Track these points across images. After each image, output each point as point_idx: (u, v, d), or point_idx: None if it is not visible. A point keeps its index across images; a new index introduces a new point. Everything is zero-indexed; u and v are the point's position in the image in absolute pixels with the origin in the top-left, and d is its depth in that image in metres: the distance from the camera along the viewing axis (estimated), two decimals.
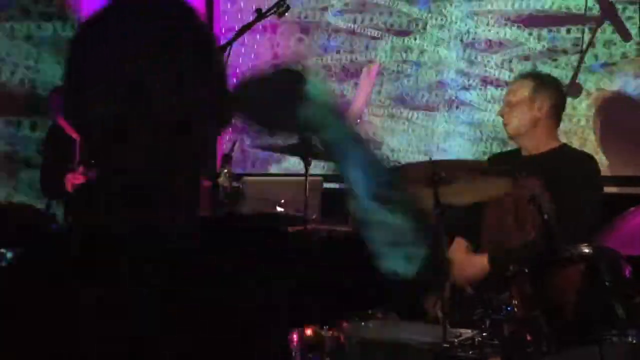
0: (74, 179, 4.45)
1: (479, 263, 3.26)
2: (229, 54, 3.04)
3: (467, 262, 3.30)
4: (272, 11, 3.21)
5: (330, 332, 3.20)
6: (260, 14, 3.20)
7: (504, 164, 3.50)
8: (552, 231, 2.64)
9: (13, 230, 4.91)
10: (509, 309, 2.75)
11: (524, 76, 3.65)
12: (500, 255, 3.15)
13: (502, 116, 3.55)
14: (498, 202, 3.41)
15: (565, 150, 3.51)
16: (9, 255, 4.75)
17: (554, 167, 3.32)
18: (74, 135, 4.64)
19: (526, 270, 2.72)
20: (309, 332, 3.20)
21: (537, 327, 2.61)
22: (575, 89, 4.66)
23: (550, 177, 3.22)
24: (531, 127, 3.45)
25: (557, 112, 3.50)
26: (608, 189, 3.77)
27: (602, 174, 3.64)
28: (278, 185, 4.18)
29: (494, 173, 3.24)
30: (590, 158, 3.47)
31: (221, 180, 3.45)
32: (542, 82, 3.51)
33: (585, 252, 2.68)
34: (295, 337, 3.71)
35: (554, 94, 3.49)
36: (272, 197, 3.89)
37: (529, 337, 2.69)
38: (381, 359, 2.89)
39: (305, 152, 3.06)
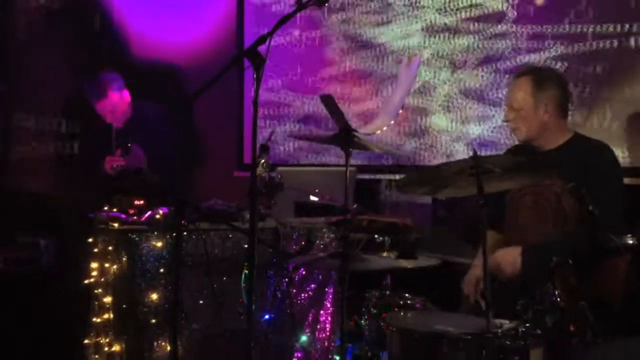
0: (114, 162, 4.53)
1: (512, 256, 3.25)
2: (269, 45, 3.03)
3: (501, 255, 3.30)
4: (312, 2, 3.20)
5: (370, 322, 3.21)
6: (300, 5, 3.19)
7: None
8: (597, 222, 2.63)
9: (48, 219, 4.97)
10: (552, 299, 2.74)
11: (521, 75, 3.47)
12: (533, 250, 3.15)
13: (508, 121, 3.48)
14: (518, 199, 3.41)
15: (579, 141, 3.42)
16: (43, 243, 4.84)
17: (572, 160, 3.28)
18: (109, 121, 4.71)
19: (570, 262, 2.72)
20: (348, 321, 3.22)
21: (582, 317, 2.62)
22: None
23: (570, 170, 3.19)
24: (541, 131, 3.39)
25: (563, 108, 3.40)
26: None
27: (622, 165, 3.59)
28: (312, 175, 4.18)
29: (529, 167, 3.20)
30: (607, 147, 3.38)
31: (259, 170, 3.46)
32: (541, 81, 3.38)
33: (630, 243, 2.68)
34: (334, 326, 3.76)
35: (557, 90, 3.38)
36: (307, 186, 3.90)
37: (572, 328, 2.69)
38: (421, 349, 2.88)
39: (346, 143, 3.05)
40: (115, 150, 4.57)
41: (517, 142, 3.60)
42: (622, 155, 4.33)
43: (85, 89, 4.79)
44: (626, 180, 3.41)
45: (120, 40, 5.67)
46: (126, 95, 4.77)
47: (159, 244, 3.72)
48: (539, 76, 3.42)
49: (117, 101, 4.72)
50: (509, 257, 3.27)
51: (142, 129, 4.68)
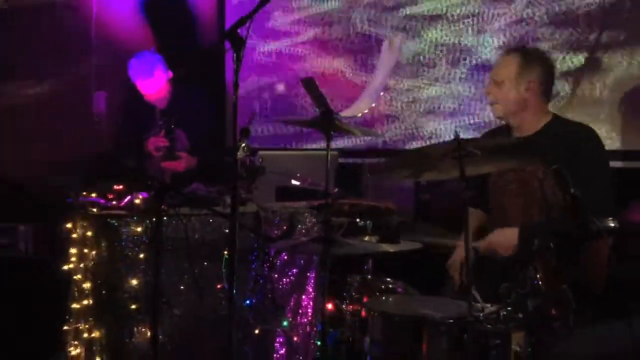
0: (159, 142, 4.53)
1: (510, 237, 3.22)
2: (250, 26, 2.99)
3: (496, 236, 3.28)
4: None
5: (351, 307, 3.20)
6: None
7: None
8: (580, 205, 2.61)
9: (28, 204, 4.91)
10: (534, 283, 2.73)
11: (510, 52, 3.47)
12: (529, 231, 3.14)
13: (488, 95, 3.46)
14: (503, 186, 3.40)
15: (558, 123, 3.40)
16: (22, 228, 4.78)
17: (553, 143, 3.24)
18: (152, 101, 4.67)
19: (552, 245, 2.71)
20: (330, 306, 3.20)
21: (564, 301, 2.61)
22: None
23: (552, 154, 3.17)
24: (519, 108, 3.36)
25: (545, 90, 3.38)
26: (615, 164, 3.72)
27: (613, 147, 3.59)
28: (293, 159, 4.15)
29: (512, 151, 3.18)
30: (588, 128, 3.37)
31: (239, 154, 3.42)
32: (529, 58, 3.36)
33: (612, 226, 2.67)
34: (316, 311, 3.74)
35: (542, 71, 3.36)
36: (288, 170, 3.87)
37: (554, 312, 2.69)
38: (403, 333, 2.87)
39: (327, 126, 3.02)
40: (160, 132, 4.54)
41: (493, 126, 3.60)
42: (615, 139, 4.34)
43: (131, 67, 4.72)
44: (618, 164, 3.39)
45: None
46: (170, 76, 4.73)
47: (139, 229, 3.67)
48: (527, 54, 3.41)
49: (162, 81, 4.68)
50: (506, 239, 3.23)
51: (184, 110, 4.66)
